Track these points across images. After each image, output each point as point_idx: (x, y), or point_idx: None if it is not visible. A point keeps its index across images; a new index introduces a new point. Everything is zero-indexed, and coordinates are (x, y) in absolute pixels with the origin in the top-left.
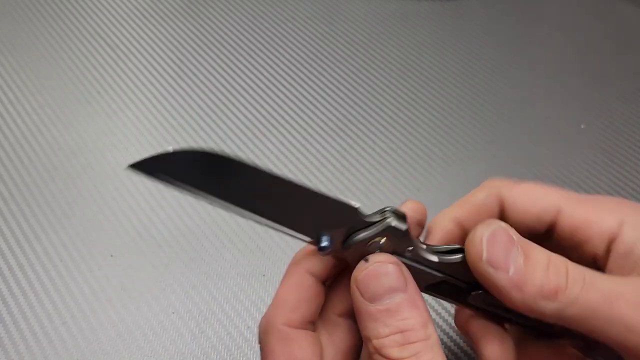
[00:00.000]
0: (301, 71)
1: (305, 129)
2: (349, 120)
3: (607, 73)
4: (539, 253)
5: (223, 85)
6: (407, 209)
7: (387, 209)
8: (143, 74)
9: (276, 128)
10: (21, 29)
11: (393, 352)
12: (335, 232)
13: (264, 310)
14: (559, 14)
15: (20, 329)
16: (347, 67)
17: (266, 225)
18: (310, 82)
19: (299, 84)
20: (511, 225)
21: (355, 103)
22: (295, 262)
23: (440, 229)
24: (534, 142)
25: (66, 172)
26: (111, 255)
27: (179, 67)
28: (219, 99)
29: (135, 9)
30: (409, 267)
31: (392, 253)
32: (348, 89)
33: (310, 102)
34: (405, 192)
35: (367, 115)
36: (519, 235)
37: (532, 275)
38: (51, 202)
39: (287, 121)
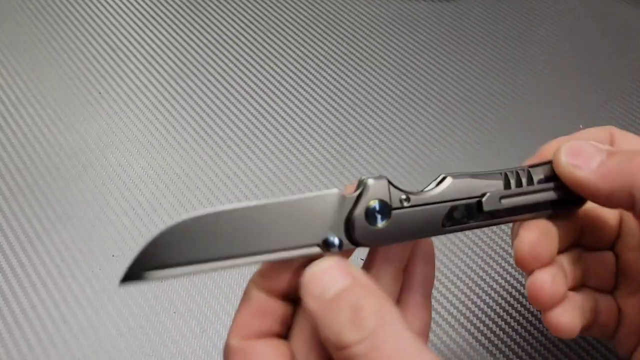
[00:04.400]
0: (301, 71)
1: (305, 129)
2: (349, 121)
3: (606, 73)
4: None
5: (224, 86)
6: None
7: (362, 179)
8: (144, 75)
9: (276, 128)
10: (23, 30)
11: (349, 335)
12: (335, 227)
13: None
14: (558, 14)
15: (22, 328)
16: (346, 67)
17: (274, 259)
18: (309, 82)
19: (298, 84)
20: None
21: (355, 103)
22: (250, 280)
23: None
24: (533, 142)
25: (68, 173)
26: (113, 255)
27: (180, 68)
28: (220, 100)
29: (136, 10)
30: (413, 215)
31: (391, 210)
32: (348, 89)
33: (310, 102)
34: None
35: (367, 115)
36: (607, 147)
37: (617, 160)
38: (53, 202)
39: (286, 121)
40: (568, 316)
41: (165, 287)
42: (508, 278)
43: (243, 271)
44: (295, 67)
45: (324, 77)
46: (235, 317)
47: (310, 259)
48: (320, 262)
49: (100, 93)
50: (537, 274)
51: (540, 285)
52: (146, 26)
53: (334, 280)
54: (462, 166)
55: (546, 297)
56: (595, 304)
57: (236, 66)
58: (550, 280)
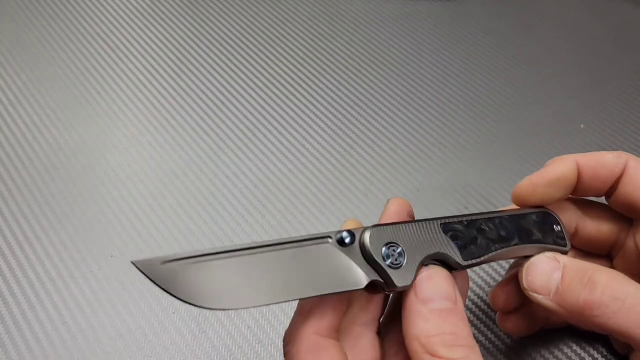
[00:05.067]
0: (301, 71)
1: (304, 129)
2: (349, 120)
3: (607, 72)
4: (578, 272)
5: (223, 85)
6: (394, 207)
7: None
8: (143, 74)
9: (275, 128)
10: (22, 30)
11: (442, 350)
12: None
13: (264, 310)
14: (558, 14)
15: (20, 328)
16: (346, 67)
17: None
18: (309, 82)
19: (298, 84)
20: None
21: (355, 103)
22: None
23: (558, 165)
24: (533, 142)
25: (66, 173)
26: (111, 256)
27: (179, 68)
28: (219, 99)
29: (135, 9)
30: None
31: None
32: (348, 89)
33: (310, 102)
34: (404, 192)
35: (367, 115)
36: (567, 260)
37: (571, 295)
38: (51, 202)
39: (286, 121)
40: (512, 322)
41: None
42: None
43: None
44: (295, 67)
45: (324, 76)
46: (306, 305)
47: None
48: (435, 268)
49: (99, 93)
50: (496, 290)
51: (494, 300)
52: (145, 26)
53: (441, 293)
54: (461, 166)
55: (498, 308)
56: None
57: (235, 65)
58: (504, 298)
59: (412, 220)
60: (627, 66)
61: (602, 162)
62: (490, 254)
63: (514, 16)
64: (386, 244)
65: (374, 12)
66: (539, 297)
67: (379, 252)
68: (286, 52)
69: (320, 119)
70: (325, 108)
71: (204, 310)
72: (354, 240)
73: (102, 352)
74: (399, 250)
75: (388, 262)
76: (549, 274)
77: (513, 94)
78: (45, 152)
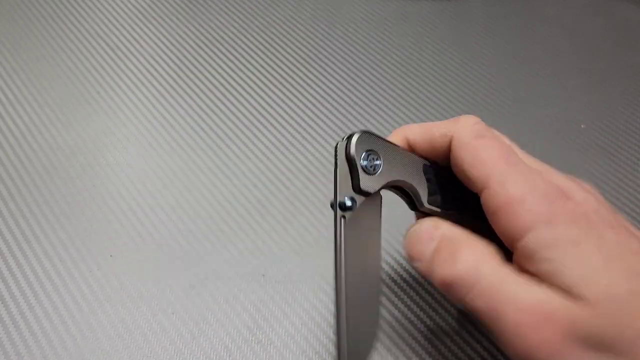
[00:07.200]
0: (300, 71)
1: (304, 128)
2: (349, 120)
3: (607, 73)
4: (448, 245)
5: (222, 85)
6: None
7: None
8: (142, 73)
9: (275, 128)
10: (20, 29)
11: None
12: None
13: (263, 310)
14: (559, 14)
15: (19, 329)
16: (346, 67)
17: None
18: (309, 82)
19: (298, 83)
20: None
21: (355, 103)
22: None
23: (392, 136)
24: (533, 142)
25: (65, 172)
26: (110, 255)
27: (179, 67)
28: (219, 99)
29: (134, 9)
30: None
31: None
32: (347, 89)
33: (310, 102)
34: None
35: (367, 115)
36: (446, 230)
37: (437, 267)
38: (50, 202)
39: (286, 121)
40: None
41: (164, 288)
42: None
43: (242, 271)
44: (294, 67)
45: (323, 76)
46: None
47: None
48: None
49: (98, 92)
50: None
51: None
52: (145, 25)
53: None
54: None
55: None
56: None
57: (235, 65)
58: None
59: (404, 148)
60: (628, 66)
61: (431, 141)
62: (447, 213)
63: (515, 16)
64: (369, 151)
65: (374, 12)
66: (417, 264)
67: (360, 152)
68: (286, 51)
69: (319, 117)
70: (325, 107)
71: (203, 311)
72: (352, 137)
73: (101, 352)
74: (378, 161)
75: (364, 164)
76: (426, 243)
77: (513, 94)
78: (44, 152)
